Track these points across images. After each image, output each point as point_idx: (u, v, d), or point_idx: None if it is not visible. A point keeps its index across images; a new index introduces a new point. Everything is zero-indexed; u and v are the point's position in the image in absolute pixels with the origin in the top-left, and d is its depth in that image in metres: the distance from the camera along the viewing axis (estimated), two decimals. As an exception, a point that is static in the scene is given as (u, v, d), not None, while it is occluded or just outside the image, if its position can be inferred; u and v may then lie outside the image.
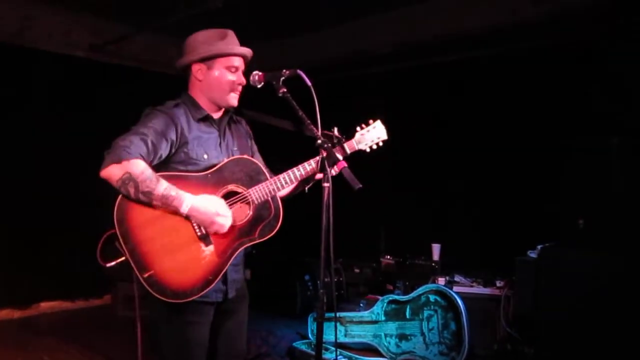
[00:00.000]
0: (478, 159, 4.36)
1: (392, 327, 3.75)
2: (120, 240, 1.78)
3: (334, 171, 1.76)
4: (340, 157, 1.80)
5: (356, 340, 3.84)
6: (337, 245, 1.65)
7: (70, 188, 4.71)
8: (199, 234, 1.85)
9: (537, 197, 3.85)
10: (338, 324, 3.84)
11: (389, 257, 4.50)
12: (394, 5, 4.40)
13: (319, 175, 1.97)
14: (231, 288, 2.01)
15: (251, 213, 1.92)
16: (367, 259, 4.79)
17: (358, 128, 2.05)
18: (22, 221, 4.52)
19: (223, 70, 1.97)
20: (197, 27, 2.05)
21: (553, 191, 3.32)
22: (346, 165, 1.74)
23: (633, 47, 3.44)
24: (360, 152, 2.05)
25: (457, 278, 3.87)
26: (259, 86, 1.97)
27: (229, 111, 2.08)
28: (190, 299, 1.82)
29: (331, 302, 1.74)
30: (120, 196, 1.79)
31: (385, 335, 3.76)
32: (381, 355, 3.71)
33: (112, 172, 1.75)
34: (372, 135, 2.04)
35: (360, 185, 1.65)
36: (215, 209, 1.82)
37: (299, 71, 1.83)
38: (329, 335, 3.66)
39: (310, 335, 3.95)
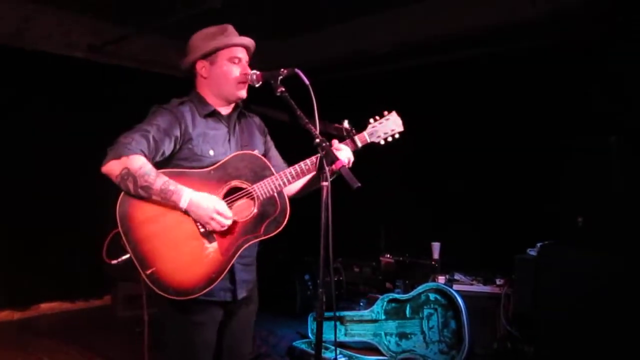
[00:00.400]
0: (478, 158, 4.36)
1: (392, 325, 3.75)
2: (123, 237, 1.78)
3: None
4: (346, 153, 1.80)
5: (356, 339, 3.84)
6: (336, 244, 1.65)
7: (70, 188, 4.71)
8: (201, 230, 1.83)
9: (536, 195, 3.85)
10: (338, 323, 3.85)
11: (388, 255, 4.49)
12: (394, 5, 4.40)
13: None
14: (241, 288, 1.98)
15: (256, 209, 1.89)
16: (367, 257, 4.79)
17: (371, 120, 2.01)
18: (22, 222, 4.52)
19: (226, 63, 1.96)
20: (196, 28, 2.04)
21: (553, 190, 3.32)
22: (345, 164, 1.73)
23: (633, 46, 3.44)
24: (373, 145, 1.99)
25: (457, 276, 3.86)
26: (257, 85, 1.96)
27: (238, 107, 2.07)
28: (193, 296, 1.80)
29: (331, 302, 1.73)
30: (122, 193, 1.80)
31: (386, 334, 3.76)
32: (381, 354, 3.71)
33: (112, 167, 1.77)
34: (386, 127, 1.99)
35: (359, 184, 1.63)
36: (214, 207, 1.79)
37: (296, 70, 1.82)
38: (328, 335, 3.67)
39: (310, 334, 3.95)
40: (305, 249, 4.55)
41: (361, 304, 4.17)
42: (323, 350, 1.80)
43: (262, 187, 1.89)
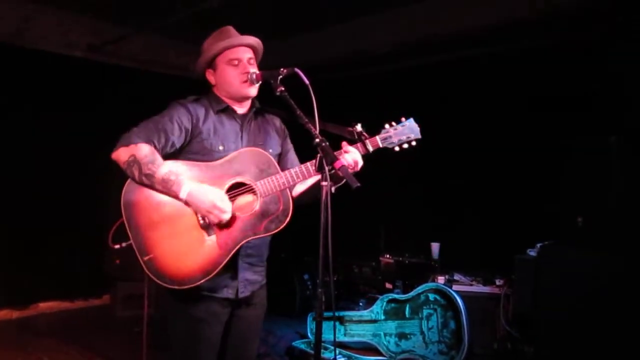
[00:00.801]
0: (478, 158, 4.36)
1: (391, 326, 3.75)
2: (125, 223, 1.82)
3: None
4: (353, 156, 1.78)
5: (355, 339, 3.84)
6: (336, 244, 1.64)
7: (69, 188, 4.71)
8: (201, 222, 1.84)
9: (536, 196, 3.85)
10: (337, 323, 3.84)
11: (388, 256, 4.49)
12: (394, 4, 4.40)
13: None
14: (244, 287, 1.98)
15: (258, 206, 1.89)
16: (366, 258, 4.78)
17: (386, 125, 1.97)
18: (21, 221, 4.52)
19: (225, 67, 1.98)
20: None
21: (552, 190, 3.31)
22: (344, 164, 1.72)
23: (633, 46, 3.44)
24: (386, 151, 1.96)
25: (456, 277, 3.86)
26: (256, 85, 1.97)
27: (254, 106, 2.08)
28: (187, 287, 1.81)
29: (330, 301, 1.72)
30: (128, 180, 1.83)
31: (385, 334, 3.76)
32: (381, 355, 3.71)
33: (120, 154, 1.81)
34: (401, 133, 1.95)
35: (359, 184, 1.62)
36: (213, 200, 1.80)
37: (296, 69, 1.81)
38: (328, 335, 3.67)
39: (309, 334, 3.95)
40: (305, 248, 4.55)
41: (360, 304, 4.17)
42: (322, 350, 1.79)
43: (265, 184, 1.89)
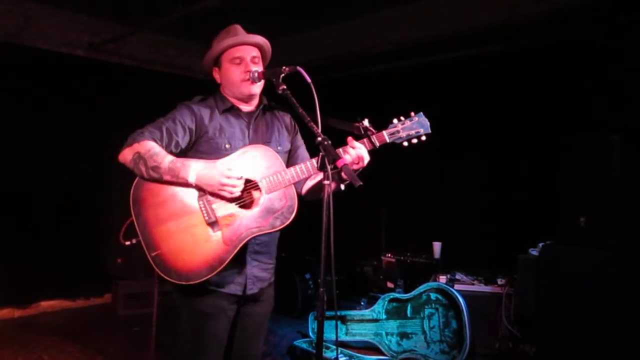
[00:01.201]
0: (479, 157, 4.35)
1: (393, 325, 3.75)
2: (134, 220, 1.85)
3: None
4: (358, 152, 1.78)
5: (357, 338, 3.83)
6: (338, 243, 1.64)
7: (70, 186, 4.71)
8: (207, 219, 1.85)
9: (538, 195, 3.84)
10: (339, 322, 3.84)
11: (390, 255, 4.49)
12: (394, 3, 4.39)
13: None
14: (252, 284, 2.00)
15: (262, 203, 1.89)
16: (368, 257, 4.78)
17: (395, 120, 1.93)
18: (23, 220, 4.53)
19: (228, 65, 2.00)
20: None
21: (554, 189, 3.30)
22: (347, 162, 1.71)
23: (634, 45, 3.42)
24: (394, 146, 1.93)
25: (458, 276, 3.85)
26: (258, 83, 1.97)
27: (262, 104, 2.08)
28: (193, 282, 1.82)
29: (332, 301, 1.72)
30: (137, 178, 1.86)
31: (387, 334, 3.75)
32: (382, 354, 3.71)
33: (126, 154, 1.85)
34: (410, 128, 1.92)
35: (361, 183, 1.61)
36: (220, 171, 1.80)
37: (298, 68, 1.81)
38: (329, 334, 3.67)
39: (311, 333, 3.94)
40: (306, 247, 4.54)
41: (362, 303, 4.16)
42: (324, 349, 1.78)
43: (270, 180, 1.89)
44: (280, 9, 4.45)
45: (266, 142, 2.03)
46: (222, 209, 1.87)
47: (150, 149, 1.82)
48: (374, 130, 1.92)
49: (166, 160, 1.81)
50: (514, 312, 3.48)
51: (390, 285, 4.34)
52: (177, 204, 1.86)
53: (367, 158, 1.87)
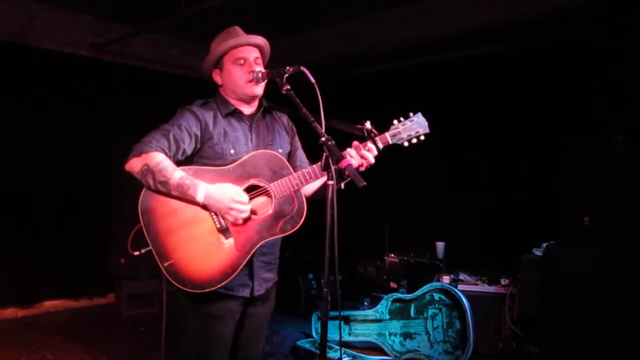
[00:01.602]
0: (482, 156, 4.34)
1: (396, 325, 3.74)
2: (144, 230, 1.84)
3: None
4: (375, 151, 1.78)
5: (360, 339, 3.83)
6: (341, 244, 1.64)
7: (74, 187, 4.72)
8: (218, 226, 1.86)
9: (541, 195, 3.82)
10: (342, 322, 3.83)
11: (393, 255, 4.48)
12: (394, 4, 4.39)
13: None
14: (259, 285, 2.01)
15: (273, 207, 1.91)
16: (371, 257, 4.77)
17: (395, 121, 1.97)
18: (26, 219, 4.53)
19: (231, 66, 1.99)
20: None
21: (558, 189, 3.29)
22: (350, 163, 1.71)
23: (634, 45, 3.41)
24: (396, 147, 1.96)
25: (461, 276, 3.84)
26: (261, 83, 1.97)
27: (262, 105, 2.08)
28: (208, 289, 1.83)
29: (335, 301, 1.72)
30: (144, 189, 1.85)
31: (390, 334, 3.75)
32: (385, 354, 3.70)
33: (133, 164, 1.83)
34: (411, 128, 1.95)
35: (365, 183, 1.61)
36: (230, 196, 1.82)
37: (302, 68, 1.81)
38: (333, 334, 3.67)
39: (314, 334, 3.94)
40: (309, 248, 4.54)
41: (365, 303, 4.16)
42: (327, 349, 1.78)
43: (279, 185, 1.90)
44: (281, 9, 4.45)
45: (268, 145, 2.04)
46: None
47: (159, 162, 1.80)
48: (377, 132, 1.94)
49: (175, 176, 1.80)
50: (518, 312, 3.48)
51: (393, 285, 4.33)
52: (187, 213, 1.85)
53: (372, 160, 1.91)
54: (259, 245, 1.90)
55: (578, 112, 3.71)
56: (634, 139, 2.94)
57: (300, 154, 2.18)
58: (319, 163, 1.88)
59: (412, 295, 3.75)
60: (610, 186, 2.93)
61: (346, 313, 3.89)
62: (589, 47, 3.68)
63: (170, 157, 1.84)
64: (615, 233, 2.89)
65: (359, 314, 3.87)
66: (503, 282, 3.67)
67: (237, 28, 2.05)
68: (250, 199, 1.90)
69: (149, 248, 1.84)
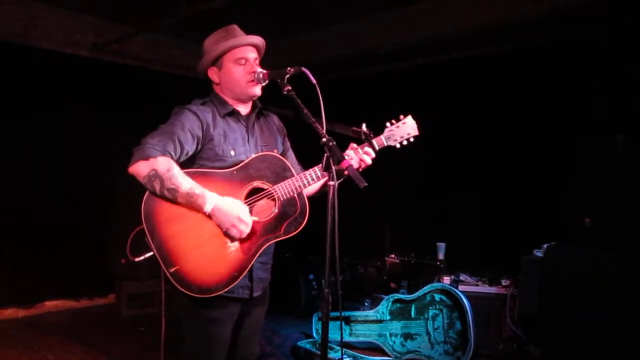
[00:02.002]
0: (483, 158, 4.34)
1: (397, 326, 3.74)
2: (148, 235, 1.81)
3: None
4: (373, 153, 1.79)
5: (361, 339, 3.82)
6: (341, 244, 1.64)
7: (75, 187, 4.72)
8: (223, 230, 1.86)
9: (542, 196, 3.82)
10: (343, 323, 3.83)
11: (393, 256, 4.48)
12: (394, 4, 4.39)
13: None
14: (257, 286, 2.02)
15: (277, 210, 1.92)
16: (372, 258, 4.77)
17: (388, 124, 2.02)
18: (27, 220, 4.53)
19: (232, 66, 1.98)
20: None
21: (558, 190, 3.29)
22: (351, 163, 1.72)
23: (634, 45, 3.41)
24: (390, 149, 2.01)
25: (462, 277, 3.84)
26: (262, 84, 1.98)
27: (256, 106, 2.09)
28: (215, 294, 1.83)
29: (336, 302, 1.72)
30: (147, 192, 1.82)
31: (390, 335, 3.74)
32: (386, 355, 3.70)
33: (140, 168, 1.79)
34: (402, 131, 2.01)
35: (366, 184, 1.61)
36: (237, 214, 1.82)
37: (303, 69, 1.81)
38: (333, 335, 3.66)
39: (314, 334, 3.94)
40: (309, 248, 4.54)
41: (366, 304, 4.15)
42: (328, 350, 1.78)
43: (282, 188, 1.91)
44: (281, 9, 4.45)
45: (264, 146, 2.05)
46: None
47: (169, 169, 1.78)
48: (373, 135, 1.99)
49: (185, 185, 1.78)
50: (519, 313, 3.48)
51: (394, 286, 4.33)
52: (192, 218, 1.83)
53: (369, 162, 1.97)
54: (264, 247, 1.91)
55: (578, 113, 3.71)
56: (635, 139, 2.94)
57: (291, 155, 2.19)
58: (320, 165, 1.89)
59: (412, 295, 3.75)
60: (610, 186, 2.93)
61: (347, 314, 3.89)
62: (589, 47, 3.68)
63: (175, 160, 1.83)
64: (616, 234, 2.89)
65: (359, 314, 3.87)
66: (504, 282, 3.67)
67: (236, 27, 2.04)
68: (255, 201, 1.91)
69: (151, 253, 1.81)
